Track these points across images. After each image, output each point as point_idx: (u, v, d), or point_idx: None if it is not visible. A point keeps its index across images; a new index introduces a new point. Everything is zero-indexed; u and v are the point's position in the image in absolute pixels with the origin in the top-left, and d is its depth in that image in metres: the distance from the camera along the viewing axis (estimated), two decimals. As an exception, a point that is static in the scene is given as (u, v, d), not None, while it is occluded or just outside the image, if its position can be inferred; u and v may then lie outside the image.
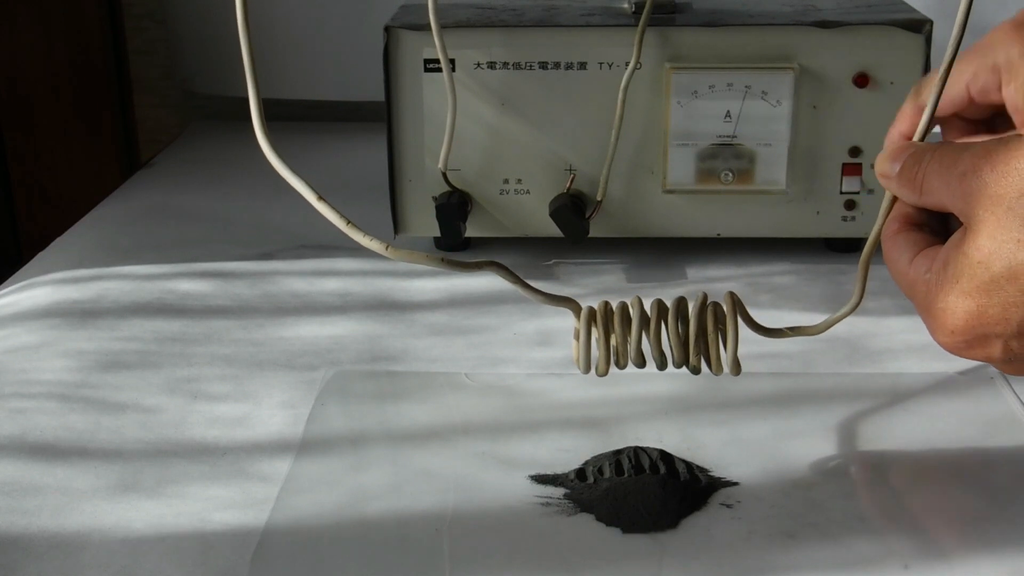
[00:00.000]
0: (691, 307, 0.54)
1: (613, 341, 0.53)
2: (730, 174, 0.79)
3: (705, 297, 0.54)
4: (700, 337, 0.53)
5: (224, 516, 0.54)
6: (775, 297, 0.77)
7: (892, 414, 0.63)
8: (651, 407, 0.57)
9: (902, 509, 0.54)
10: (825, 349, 0.69)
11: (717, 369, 0.54)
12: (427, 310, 0.76)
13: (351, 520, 0.54)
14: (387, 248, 0.51)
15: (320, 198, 0.53)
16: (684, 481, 0.55)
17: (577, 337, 0.54)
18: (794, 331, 0.55)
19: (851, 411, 0.63)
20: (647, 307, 0.54)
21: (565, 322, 0.74)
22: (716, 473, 0.56)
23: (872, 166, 0.79)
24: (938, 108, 0.52)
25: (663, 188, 0.80)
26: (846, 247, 0.83)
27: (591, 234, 0.80)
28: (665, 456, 0.57)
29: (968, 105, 0.55)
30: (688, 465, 0.56)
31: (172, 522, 0.53)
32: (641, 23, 0.76)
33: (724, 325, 0.54)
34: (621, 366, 0.54)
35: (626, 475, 0.55)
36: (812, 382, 0.66)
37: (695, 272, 0.81)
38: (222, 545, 0.52)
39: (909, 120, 0.56)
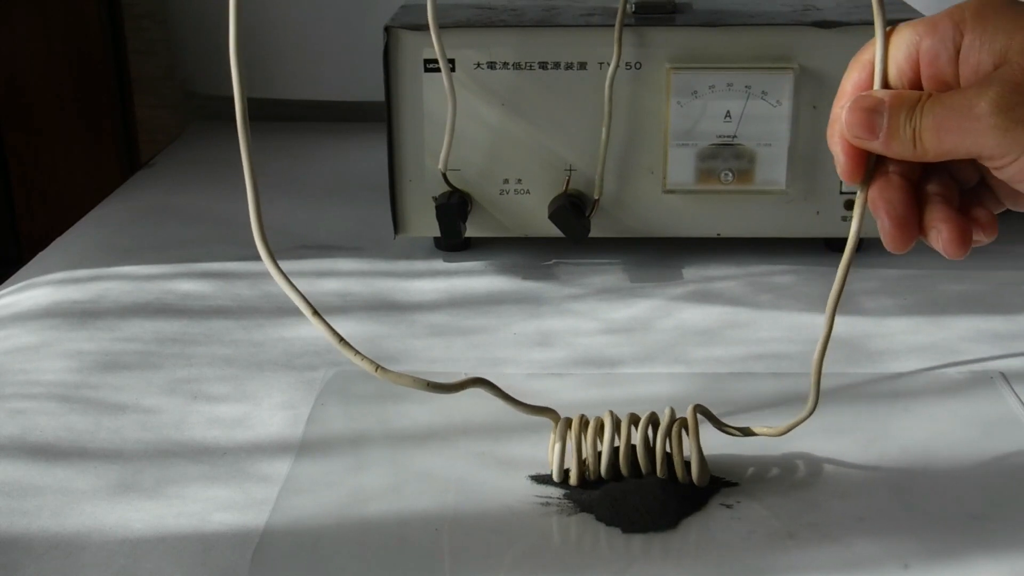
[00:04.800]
0: (661, 421, 0.55)
1: (586, 450, 0.56)
2: (730, 174, 0.79)
3: (672, 413, 0.55)
4: (665, 450, 0.55)
5: (224, 516, 0.54)
6: (775, 297, 0.77)
7: (892, 414, 0.63)
8: (651, 407, 0.57)
9: (902, 509, 0.54)
10: (825, 349, 0.69)
11: (684, 479, 0.55)
12: (427, 310, 0.76)
13: (351, 520, 0.54)
14: (376, 370, 0.52)
15: (315, 313, 0.54)
16: (684, 481, 0.55)
17: (552, 446, 0.56)
18: (756, 433, 0.57)
19: (851, 411, 0.63)
20: (621, 418, 0.56)
21: (565, 323, 0.74)
22: (716, 473, 0.56)
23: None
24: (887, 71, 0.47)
25: (663, 188, 0.80)
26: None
27: (591, 234, 0.80)
28: (665, 456, 0.57)
29: (911, 70, 0.47)
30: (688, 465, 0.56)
31: (172, 522, 0.53)
32: (618, 21, 0.76)
33: (691, 436, 0.55)
34: (592, 478, 0.55)
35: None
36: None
37: (695, 272, 0.81)
38: (222, 545, 0.52)
39: (862, 70, 0.49)
